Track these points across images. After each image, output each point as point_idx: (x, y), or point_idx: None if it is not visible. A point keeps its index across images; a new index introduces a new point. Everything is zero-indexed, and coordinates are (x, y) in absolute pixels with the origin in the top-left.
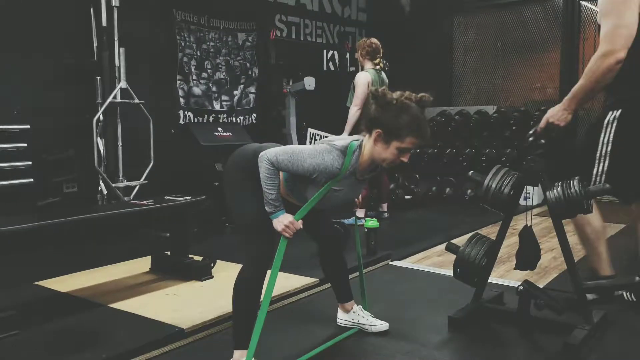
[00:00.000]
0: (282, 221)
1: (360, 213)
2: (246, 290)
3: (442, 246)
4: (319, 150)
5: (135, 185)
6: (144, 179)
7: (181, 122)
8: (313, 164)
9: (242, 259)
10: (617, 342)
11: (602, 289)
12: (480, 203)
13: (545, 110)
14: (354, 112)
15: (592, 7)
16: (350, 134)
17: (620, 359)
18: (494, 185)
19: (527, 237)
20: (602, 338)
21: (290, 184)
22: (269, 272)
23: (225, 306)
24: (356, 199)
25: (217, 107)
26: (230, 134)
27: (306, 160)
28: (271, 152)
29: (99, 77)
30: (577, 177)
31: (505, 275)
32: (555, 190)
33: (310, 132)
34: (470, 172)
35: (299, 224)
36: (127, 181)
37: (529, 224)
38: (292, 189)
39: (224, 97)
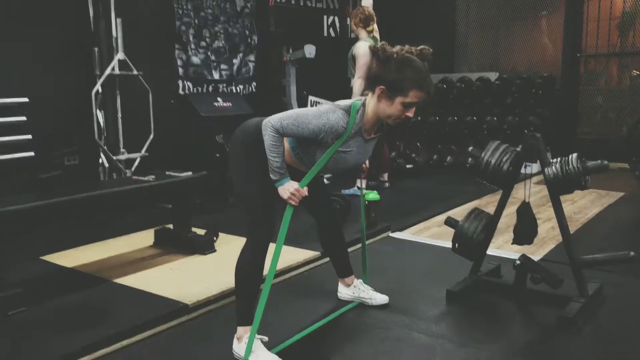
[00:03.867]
0: (288, 189)
1: (360, 183)
2: (248, 270)
3: (442, 216)
4: (323, 110)
5: (136, 158)
6: (145, 151)
7: (180, 92)
8: (318, 124)
9: (244, 232)
10: (611, 315)
11: (598, 264)
12: (478, 178)
13: (548, 77)
14: (359, 84)
15: None
16: None
17: (614, 331)
18: (493, 161)
19: (525, 213)
20: (596, 311)
21: (298, 151)
22: (271, 246)
23: (228, 281)
24: (364, 165)
25: (216, 76)
26: (230, 104)
27: (311, 122)
28: (275, 118)
29: (96, 49)
30: (575, 153)
31: (503, 246)
32: (553, 167)
33: (311, 100)
34: (471, 148)
35: (305, 191)
36: (127, 153)
37: (527, 198)
38: (299, 156)
39: (223, 66)
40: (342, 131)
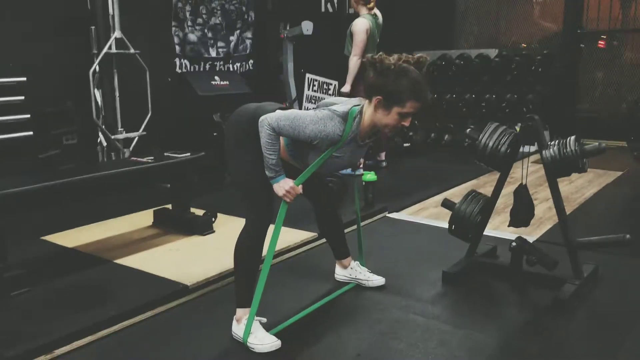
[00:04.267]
0: (283, 186)
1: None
2: (247, 253)
3: (439, 197)
4: (320, 116)
5: (134, 137)
6: (143, 130)
7: (177, 70)
8: (315, 130)
9: (242, 213)
10: (605, 297)
11: (593, 246)
12: (476, 160)
13: (548, 54)
14: (354, 62)
15: None
16: (352, 84)
17: (608, 313)
18: (490, 144)
19: (522, 196)
20: (590, 293)
21: (292, 149)
22: (270, 227)
23: (227, 262)
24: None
25: (213, 54)
26: (227, 83)
27: (308, 127)
28: (272, 117)
29: (93, 27)
30: (573, 136)
31: (499, 226)
32: (551, 149)
33: (308, 78)
34: (468, 130)
35: (299, 189)
36: (125, 132)
37: (524, 180)
38: (293, 154)
39: (220, 44)
40: (338, 139)
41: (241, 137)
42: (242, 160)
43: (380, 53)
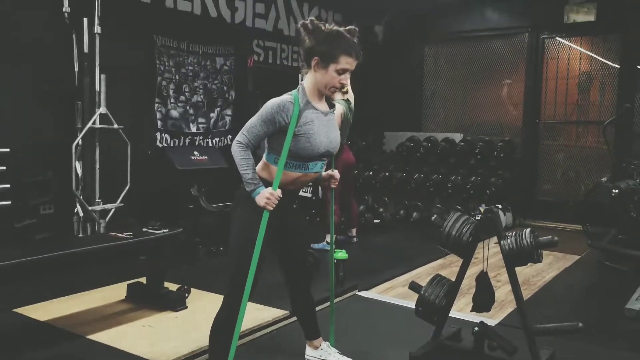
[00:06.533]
0: (263, 195)
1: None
2: (223, 330)
3: (408, 276)
4: (269, 103)
5: (111, 209)
6: (120, 202)
7: (158, 144)
8: (268, 109)
9: (215, 288)
10: None
11: (549, 333)
12: (439, 246)
13: (509, 141)
14: None
15: (560, 39)
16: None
17: None
18: (453, 233)
19: (483, 283)
20: None
21: (272, 156)
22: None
23: (199, 339)
24: (334, 173)
25: (193, 129)
26: (206, 157)
27: (262, 113)
28: (237, 137)
29: (79, 103)
30: (529, 228)
31: (464, 308)
32: (509, 240)
33: None
34: (433, 217)
35: (278, 193)
36: (103, 204)
37: (485, 268)
38: (274, 158)
39: (200, 120)
40: (290, 103)
41: (233, 209)
42: (236, 233)
43: (312, 18)
